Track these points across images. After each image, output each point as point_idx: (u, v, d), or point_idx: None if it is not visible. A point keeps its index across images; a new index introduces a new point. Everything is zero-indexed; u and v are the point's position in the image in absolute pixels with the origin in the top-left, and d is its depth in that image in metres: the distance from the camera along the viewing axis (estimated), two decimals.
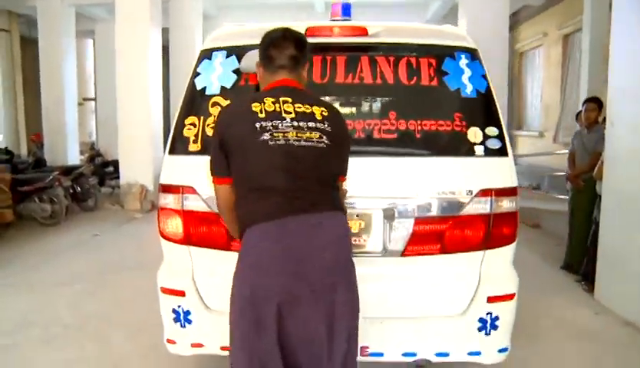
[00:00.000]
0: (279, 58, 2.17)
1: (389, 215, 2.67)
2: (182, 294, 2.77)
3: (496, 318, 2.75)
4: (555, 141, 11.49)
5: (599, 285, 4.80)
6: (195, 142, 2.74)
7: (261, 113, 2.03)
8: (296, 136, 2.01)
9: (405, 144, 2.73)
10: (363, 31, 2.90)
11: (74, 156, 13.59)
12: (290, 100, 2.09)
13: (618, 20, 4.67)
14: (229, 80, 2.84)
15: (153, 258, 5.75)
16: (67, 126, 13.44)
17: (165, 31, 11.35)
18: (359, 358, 2.67)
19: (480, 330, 2.74)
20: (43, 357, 3.73)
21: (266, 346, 1.97)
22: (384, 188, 2.65)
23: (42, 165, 10.12)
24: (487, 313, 2.74)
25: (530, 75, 14.63)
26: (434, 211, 2.69)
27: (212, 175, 2.17)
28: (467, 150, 2.72)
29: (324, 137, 2.05)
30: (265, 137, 1.99)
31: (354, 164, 2.37)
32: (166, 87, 11.86)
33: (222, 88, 2.83)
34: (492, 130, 2.78)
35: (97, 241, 7.42)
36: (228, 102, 2.69)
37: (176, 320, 2.80)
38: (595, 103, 5.67)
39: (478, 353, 2.78)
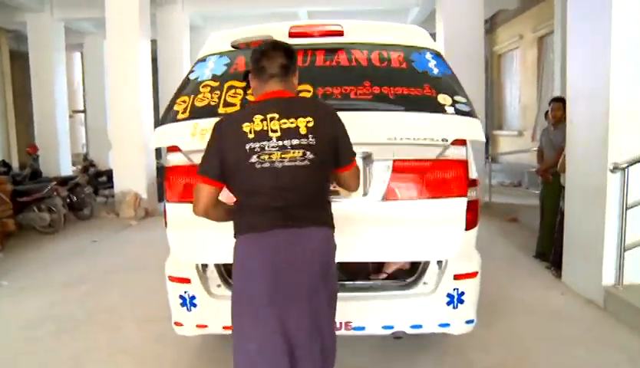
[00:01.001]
0: (270, 68, 2.31)
1: (367, 159, 2.93)
2: (187, 281, 3.16)
3: (462, 293, 3.14)
4: (533, 139, 11.90)
5: (565, 269, 5.24)
6: (184, 112, 3.00)
7: (250, 133, 2.19)
8: (280, 158, 2.17)
9: (380, 103, 2.96)
10: (339, 33, 3.31)
11: (66, 167, 13.91)
12: (277, 115, 2.21)
13: (572, 30, 5.14)
14: (220, 70, 3.20)
15: (151, 261, 6.20)
16: (59, 138, 13.79)
17: (153, 43, 11.70)
18: (344, 332, 3.10)
19: (448, 304, 3.14)
20: (63, 347, 4.09)
21: (261, 344, 2.21)
22: (361, 135, 2.76)
23: (38, 177, 10.44)
24: (454, 289, 3.13)
25: (508, 76, 15.11)
26: (412, 155, 2.92)
27: (198, 173, 2.30)
28: (439, 109, 2.94)
29: (308, 153, 2.19)
30: (253, 160, 2.17)
31: None
32: (156, 97, 12.19)
33: (213, 75, 3.19)
34: (460, 98, 3.02)
35: (96, 247, 7.74)
36: (223, 109, 2.93)
37: (183, 304, 3.18)
38: (561, 102, 6.08)
39: (447, 325, 3.19)
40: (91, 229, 9.02)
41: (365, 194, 2.98)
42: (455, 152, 2.96)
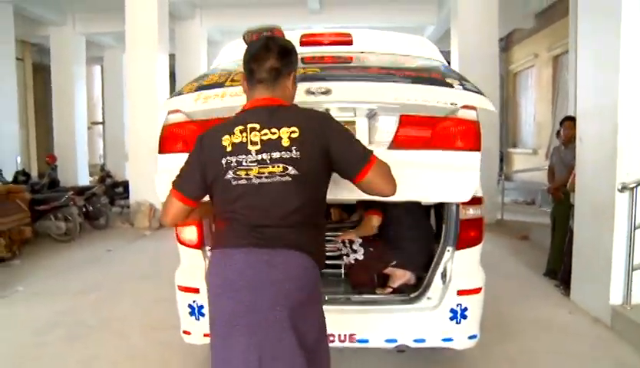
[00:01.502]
0: (258, 72, 2.09)
1: (372, 115, 2.89)
2: (196, 291, 3.23)
3: (466, 309, 3.18)
4: (547, 158, 11.86)
5: (574, 288, 5.23)
6: (190, 89, 3.07)
7: (229, 146, 2.00)
8: (258, 173, 1.97)
9: (387, 76, 2.97)
10: (348, 42, 3.47)
11: (84, 177, 14.17)
12: (258, 126, 1.99)
13: (582, 49, 5.19)
14: (231, 67, 3.30)
15: (163, 270, 6.30)
16: (77, 149, 14.08)
17: (171, 57, 11.92)
18: (348, 344, 3.16)
19: (451, 319, 3.18)
20: (71, 352, 4.18)
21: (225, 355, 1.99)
22: (366, 96, 2.82)
23: (56, 186, 10.63)
24: (457, 305, 3.17)
25: (524, 95, 15.14)
26: (420, 112, 2.82)
27: (173, 186, 2.13)
28: (446, 84, 2.89)
29: (290, 168, 1.96)
30: (229, 176, 1.99)
31: (338, 87, 2.75)
32: None
33: (223, 68, 3.36)
34: (467, 83, 2.97)
35: (110, 256, 7.88)
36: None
37: (191, 313, 3.26)
38: (572, 121, 6.11)
39: (450, 340, 3.22)
40: (106, 238, 9.17)
41: (370, 142, 2.89)
42: (465, 113, 2.82)
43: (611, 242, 4.55)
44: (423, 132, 2.84)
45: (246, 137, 2.00)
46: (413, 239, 3.61)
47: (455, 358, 3.86)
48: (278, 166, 1.96)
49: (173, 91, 12.53)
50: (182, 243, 3.33)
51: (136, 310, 5.16)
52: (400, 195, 2.17)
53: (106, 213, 10.33)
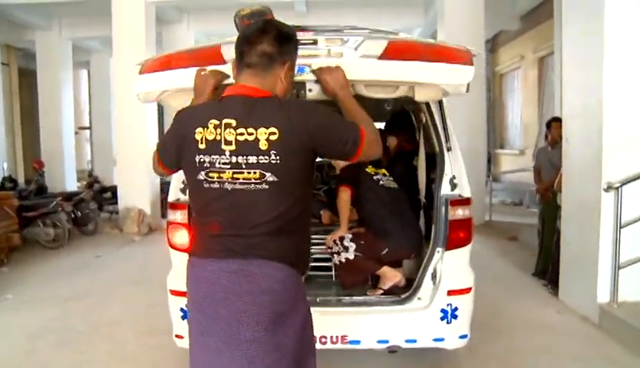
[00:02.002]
0: (248, 55, 1.90)
1: (359, 44, 2.74)
2: None
3: (456, 309, 3.23)
4: (534, 159, 11.96)
5: (562, 287, 5.30)
6: None
7: (201, 143, 1.84)
8: (232, 178, 1.81)
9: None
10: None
11: (71, 183, 14.08)
12: (234, 122, 1.80)
13: (567, 49, 5.29)
14: None
15: (154, 276, 6.29)
16: (64, 154, 14.01)
17: None
18: (340, 345, 3.18)
19: (442, 319, 3.23)
20: (61, 359, 4.17)
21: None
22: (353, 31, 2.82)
23: (44, 192, 10.57)
24: (448, 305, 3.22)
25: (510, 96, 15.25)
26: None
27: (157, 148, 2.12)
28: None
29: (268, 174, 1.79)
30: (200, 177, 1.86)
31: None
32: (161, 115, 12.37)
33: None
34: None
35: (100, 262, 7.83)
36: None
37: (184, 317, 3.26)
38: (558, 122, 6.18)
39: (442, 340, 3.27)
40: (95, 244, 9.12)
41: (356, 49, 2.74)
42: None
43: (597, 241, 4.62)
44: (412, 50, 2.73)
45: (220, 135, 1.81)
46: (399, 225, 3.66)
47: (445, 358, 3.90)
48: (255, 173, 1.79)
49: None
50: (173, 247, 3.34)
51: (126, 316, 5.14)
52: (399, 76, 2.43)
53: (94, 219, 10.25)
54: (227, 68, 2.40)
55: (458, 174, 3.31)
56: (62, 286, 6.38)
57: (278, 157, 1.78)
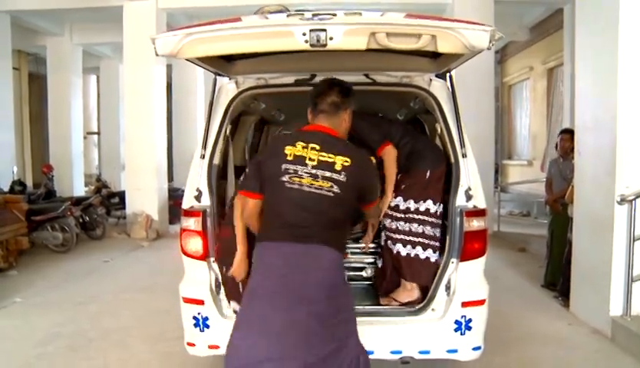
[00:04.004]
0: (321, 104, 2.63)
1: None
2: (201, 302, 3.23)
3: (470, 320, 3.20)
4: (542, 169, 11.88)
5: (573, 299, 5.26)
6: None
7: (289, 156, 2.51)
8: (309, 183, 2.47)
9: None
10: None
11: (79, 187, 14.11)
12: (318, 147, 2.51)
13: (580, 62, 5.25)
14: None
15: (162, 281, 6.29)
16: (73, 159, 14.03)
17: (168, 68, 11.95)
18: None
19: (455, 330, 3.20)
20: (72, 364, 4.17)
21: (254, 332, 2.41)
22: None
23: (53, 196, 10.60)
24: (462, 316, 3.19)
25: (519, 107, 15.25)
26: None
27: (241, 188, 2.76)
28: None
29: (335, 187, 2.47)
30: (284, 179, 2.49)
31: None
32: (170, 121, 12.40)
33: None
34: None
35: (108, 267, 7.85)
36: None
37: (196, 325, 3.26)
38: (569, 134, 6.17)
39: (455, 351, 3.23)
40: (103, 249, 9.13)
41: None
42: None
43: (610, 254, 4.59)
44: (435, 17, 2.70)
45: (306, 153, 2.52)
46: None
47: None
48: (327, 183, 2.48)
49: (170, 102, 12.63)
50: (186, 254, 3.33)
51: (136, 322, 5.14)
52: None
53: (102, 224, 10.27)
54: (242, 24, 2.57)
55: (474, 185, 3.29)
56: (71, 290, 6.39)
57: (345, 178, 2.49)
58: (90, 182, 15.63)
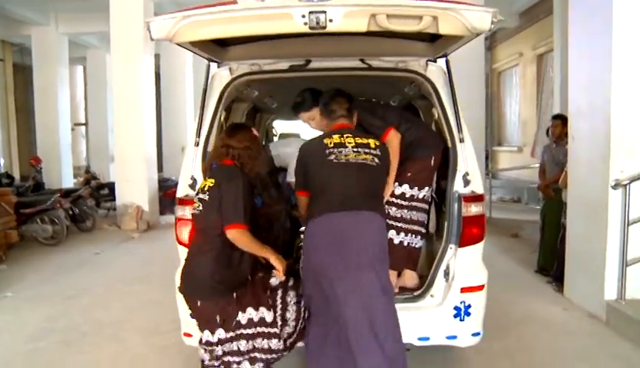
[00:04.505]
0: (339, 110, 3.15)
1: None
2: None
3: (469, 306, 3.19)
4: (532, 155, 11.91)
5: (568, 284, 5.28)
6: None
7: (330, 144, 2.94)
8: (354, 157, 2.89)
9: None
10: None
11: (68, 179, 13.97)
12: (351, 135, 3.00)
13: (574, 48, 5.23)
14: None
15: (154, 273, 6.24)
16: (61, 150, 13.88)
17: (156, 58, 11.80)
18: None
19: (455, 316, 3.19)
20: (66, 359, 4.11)
21: (331, 313, 2.75)
22: None
23: (41, 188, 10.47)
24: (461, 302, 3.18)
25: (508, 93, 15.24)
26: None
27: (295, 189, 3.24)
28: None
29: (376, 159, 2.94)
30: (331, 157, 2.89)
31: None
32: (159, 111, 12.26)
33: None
34: None
35: (99, 259, 7.77)
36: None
37: (192, 315, 3.20)
38: (560, 120, 6.16)
39: (454, 337, 3.23)
40: (93, 241, 9.05)
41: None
42: None
43: (604, 238, 4.60)
44: None
45: (344, 140, 2.97)
46: None
47: (454, 355, 3.89)
48: (369, 156, 2.93)
49: (159, 92, 12.51)
50: (181, 243, 3.28)
51: (129, 314, 5.08)
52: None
53: (92, 215, 10.17)
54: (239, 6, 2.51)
55: (471, 170, 3.27)
56: (62, 283, 6.32)
57: (379, 153, 2.99)
58: (78, 173, 15.48)
